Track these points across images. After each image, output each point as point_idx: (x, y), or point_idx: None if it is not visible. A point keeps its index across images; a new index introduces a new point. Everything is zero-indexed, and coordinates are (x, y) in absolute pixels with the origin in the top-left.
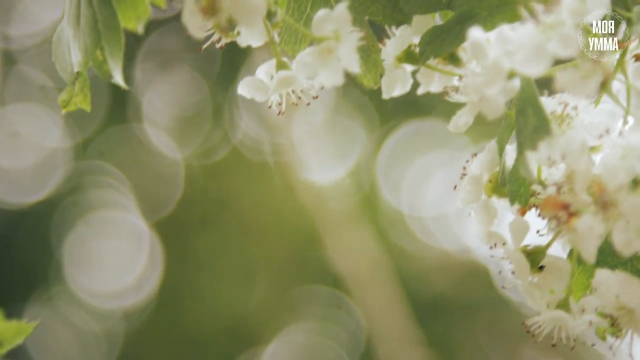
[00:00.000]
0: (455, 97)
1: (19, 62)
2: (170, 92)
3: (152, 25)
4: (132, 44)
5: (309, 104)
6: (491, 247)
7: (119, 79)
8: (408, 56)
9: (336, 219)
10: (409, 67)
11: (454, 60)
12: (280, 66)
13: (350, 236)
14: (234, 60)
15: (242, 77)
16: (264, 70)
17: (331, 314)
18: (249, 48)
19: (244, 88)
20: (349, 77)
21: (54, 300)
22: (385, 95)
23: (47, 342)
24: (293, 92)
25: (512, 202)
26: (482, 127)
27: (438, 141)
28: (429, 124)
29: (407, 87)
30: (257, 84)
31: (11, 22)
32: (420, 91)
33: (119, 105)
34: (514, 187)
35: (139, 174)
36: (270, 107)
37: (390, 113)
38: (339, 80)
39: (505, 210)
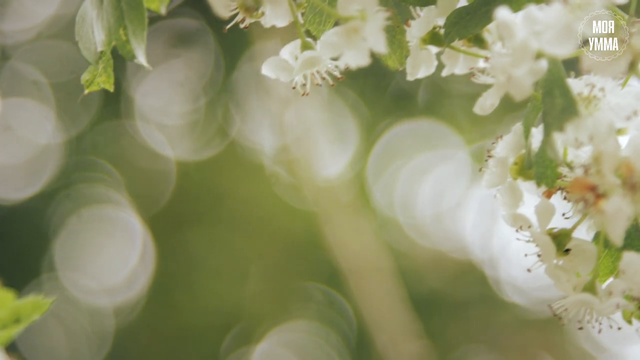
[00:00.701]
0: (481, 79)
1: (12, 57)
2: (164, 88)
3: None
4: None
5: (333, 84)
6: (517, 230)
7: (142, 59)
8: (433, 38)
9: (330, 216)
10: (433, 49)
11: (479, 42)
12: (305, 46)
13: (344, 234)
14: (229, 57)
15: (237, 75)
16: (288, 51)
17: (325, 311)
18: (244, 44)
19: (268, 68)
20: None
21: (46, 297)
22: (410, 77)
23: (38, 338)
24: (317, 72)
25: (538, 184)
26: (475, 128)
27: (431, 141)
28: (421, 124)
29: (432, 69)
30: (281, 64)
31: (4, 17)
32: (444, 73)
33: (111, 101)
34: (540, 169)
35: (131, 170)
36: (294, 87)
37: (382, 113)
38: (365, 60)
39: (529, 193)
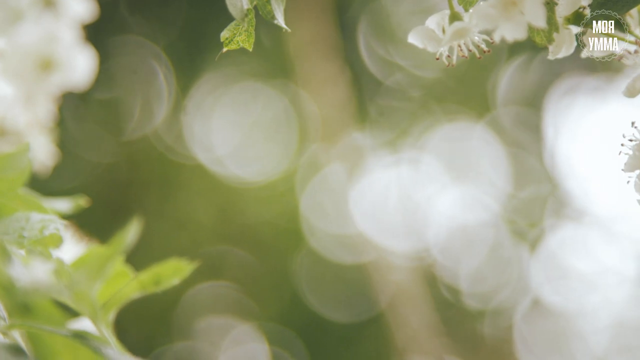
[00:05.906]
0: (630, 61)
1: None
2: (114, 77)
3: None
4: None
5: (480, 57)
6: None
7: (280, 19)
8: (577, 17)
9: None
10: (575, 29)
11: (620, 25)
12: (454, 17)
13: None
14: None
15: (189, 71)
16: (435, 21)
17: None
18: (209, 42)
19: (415, 37)
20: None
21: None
22: (551, 56)
23: None
24: (465, 44)
25: None
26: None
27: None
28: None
29: (572, 50)
30: (429, 34)
31: None
32: (583, 54)
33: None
34: None
35: (72, 158)
36: (438, 58)
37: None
38: (523, 34)
39: None
